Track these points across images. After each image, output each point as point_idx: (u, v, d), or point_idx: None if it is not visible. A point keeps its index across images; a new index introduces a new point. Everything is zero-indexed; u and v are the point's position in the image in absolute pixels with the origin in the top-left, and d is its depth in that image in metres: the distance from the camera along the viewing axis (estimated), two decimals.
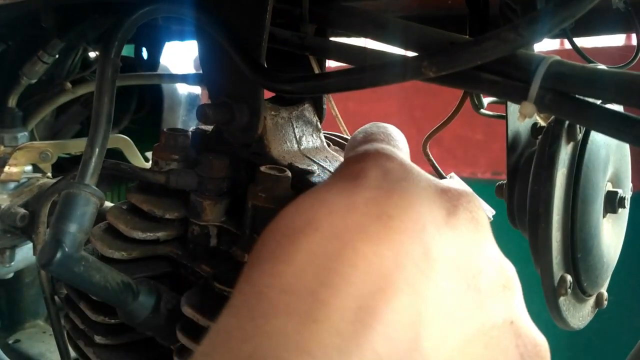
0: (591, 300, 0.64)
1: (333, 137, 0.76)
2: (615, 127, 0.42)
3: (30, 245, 1.10)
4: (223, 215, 0.62)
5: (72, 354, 0.70)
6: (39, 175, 1.11)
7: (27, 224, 1.02)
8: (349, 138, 0.76)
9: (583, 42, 0.70)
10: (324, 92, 0.68)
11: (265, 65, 0.62)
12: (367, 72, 0.52)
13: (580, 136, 0.57)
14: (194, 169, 0.62)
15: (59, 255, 0.49)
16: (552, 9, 0.41)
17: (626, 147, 0.68)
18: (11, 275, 1.23)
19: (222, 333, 0.33)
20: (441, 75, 0.47)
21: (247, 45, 0.60)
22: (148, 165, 1.09)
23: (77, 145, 1.16)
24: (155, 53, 1.19)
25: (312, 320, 0.31)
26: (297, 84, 0.57)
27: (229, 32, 0.60)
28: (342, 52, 0.61)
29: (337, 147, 0.74)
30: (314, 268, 0.34)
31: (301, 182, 0.60)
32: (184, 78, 1.21)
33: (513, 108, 0.64)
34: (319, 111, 0.71)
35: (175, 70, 1.32)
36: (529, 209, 0.58)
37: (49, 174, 1.12)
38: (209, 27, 0.61)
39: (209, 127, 0.70)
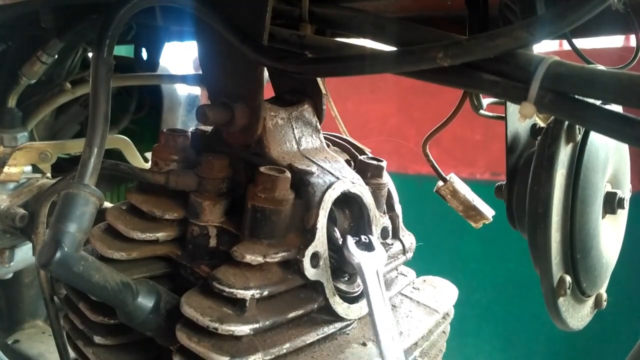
0: (590, 301, 0.64)
1: (332, 138, 0.76)
2: (614, 127, 0.42)
3: (29, 245, 1.10)
4: (222, 216, 0.62)
5: (72, 354, 0.70)
6: (38, 175, 1.11)
7: (27, 224, 1.02)
8: (348, 138, 0.77)
9: (582, 43, 0.70)
10: (317, 75, 0.68)
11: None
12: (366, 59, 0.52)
13: (579, 137, 0.57)
14: (194, 169, 0.62)
15: (58, 255, 0.49)
16: (560, 12, 0.42)
17: (625, 148, 0.68)
18: (10, 275, 1.23)
19: None
20: (441, 75, 0.48)
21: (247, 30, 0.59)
22: (148, 165, 1.09)
23: (76, 146, 1.16)
24: (154, 54, 1.19)
25: None
26: (294, 64, 0.57)
27: (225, 16, 0.60)
28: (342, 52, 0.61)
29: (336, 148, 0.74)
30: None
31: (301, 182, 0.60)
32: (183, 78, 1.21)
33: (513, 108, 0.64)
34: (319, 112, 0.71)
35: (175, 70, 1.32)
36: (528, 209, 0.58)
37: (49, 174, 1.12)
38: (203, 15, 0.61)
39: (209, 128, 0.70)
